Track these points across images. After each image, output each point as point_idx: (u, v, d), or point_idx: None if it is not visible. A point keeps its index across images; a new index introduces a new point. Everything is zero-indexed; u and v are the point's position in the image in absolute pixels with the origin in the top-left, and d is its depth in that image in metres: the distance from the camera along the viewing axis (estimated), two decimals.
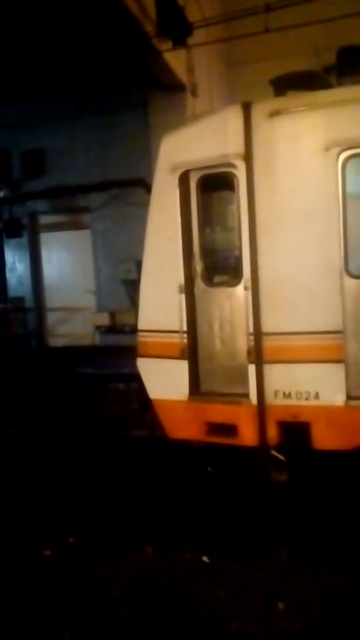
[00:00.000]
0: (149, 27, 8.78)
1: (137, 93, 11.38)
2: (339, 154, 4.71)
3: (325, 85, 5.20)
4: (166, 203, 5.29)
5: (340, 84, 5.28)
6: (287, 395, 4.84)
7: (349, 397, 4.71)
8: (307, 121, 4.82)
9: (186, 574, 4.66)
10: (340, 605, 4.15)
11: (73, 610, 4.31)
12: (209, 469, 5.25)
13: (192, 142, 5.25)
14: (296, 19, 8.68)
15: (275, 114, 4.84)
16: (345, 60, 5.39)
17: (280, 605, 4.21)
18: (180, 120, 9.49)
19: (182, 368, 5.24)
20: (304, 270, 4.82)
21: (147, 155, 9.94)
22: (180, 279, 5.24)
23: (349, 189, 4.76)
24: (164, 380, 5.34)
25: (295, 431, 4.83)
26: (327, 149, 4.72)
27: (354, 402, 4.70)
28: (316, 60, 6.67)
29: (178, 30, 8.71)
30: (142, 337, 5.49)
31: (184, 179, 5.25)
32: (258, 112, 4.89)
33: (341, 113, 4.72)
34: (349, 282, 4.74)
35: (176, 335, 5.22)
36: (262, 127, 4.87)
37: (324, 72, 5.60)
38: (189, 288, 5.27)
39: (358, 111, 4.67)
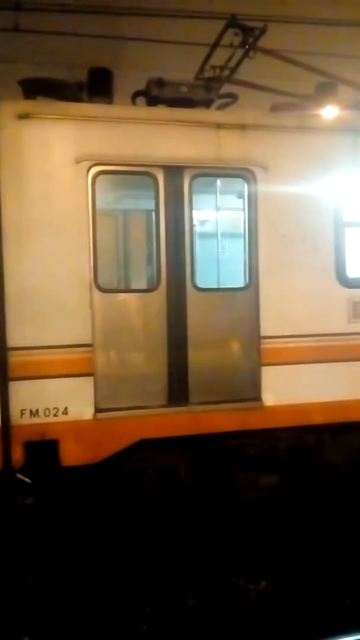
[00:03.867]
0: None
1: None
2: (89, 169, 4.74)
3: (76, 98, 5.19)
4: None
5: (90, 101, 5.34)
6: (34, 414, 4.60)
7: (97, 410, 4.74)
8: (58, 130, 4.71)
9: None
10: None
11: None
12: None
13: None
14: (51, 26, 8.56)
15: (24, 116, 4.60)
16: (96, 80, 5.49)
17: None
18: None
19: None
20: (53, 283, 4.67)
21: None
22: None
23: (98, 204, 4.83)
24: None
25: (43, 450, 4.61)
26: (77, 161, 4.70)
27: (101, 415, 4.75)
28: (68, 74, 6.64)
29: None
30: None
31: None
32: (5, 111, 4.57)
33: (92, 128, 4.77)
34: (98, 296, 4.80)
35: None
36: (9, 127, 4.57)
37: (76, 86, 5.59)
38: None
39: (108, 129, 4.81)
